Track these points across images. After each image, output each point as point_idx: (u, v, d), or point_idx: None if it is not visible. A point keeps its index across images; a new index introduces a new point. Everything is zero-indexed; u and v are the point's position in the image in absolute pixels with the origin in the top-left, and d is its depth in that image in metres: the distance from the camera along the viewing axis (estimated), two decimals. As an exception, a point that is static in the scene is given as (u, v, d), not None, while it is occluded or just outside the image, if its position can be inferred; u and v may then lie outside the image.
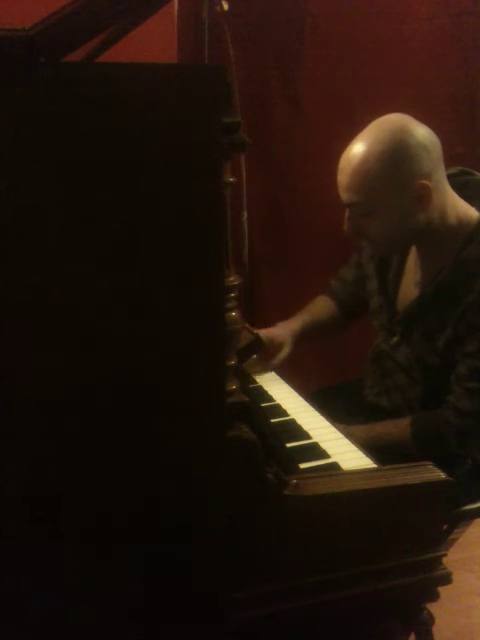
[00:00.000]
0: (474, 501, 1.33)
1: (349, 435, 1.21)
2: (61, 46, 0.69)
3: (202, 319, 0.78)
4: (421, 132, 1.29)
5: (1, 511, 0.76)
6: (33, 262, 0.71)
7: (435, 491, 0.94)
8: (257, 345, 1.49)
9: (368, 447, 1.16)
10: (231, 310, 0.84)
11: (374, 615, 1.00)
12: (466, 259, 1.31)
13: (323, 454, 1.13)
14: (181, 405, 0.79)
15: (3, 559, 0.78)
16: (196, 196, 0.75)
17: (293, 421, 1.28)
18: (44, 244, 0.71)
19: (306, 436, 1.20)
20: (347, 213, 1.34)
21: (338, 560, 0.91)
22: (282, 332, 1.60)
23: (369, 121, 1.33)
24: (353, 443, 1.17)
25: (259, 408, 1.32)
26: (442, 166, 1.32)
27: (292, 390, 1.47)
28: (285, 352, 1.56)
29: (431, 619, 1.02)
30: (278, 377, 1.55)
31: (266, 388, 1.47)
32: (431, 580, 0.96)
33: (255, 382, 1.51)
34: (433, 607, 1.02)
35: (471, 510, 1.33)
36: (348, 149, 1.31)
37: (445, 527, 1.11)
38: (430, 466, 0.96)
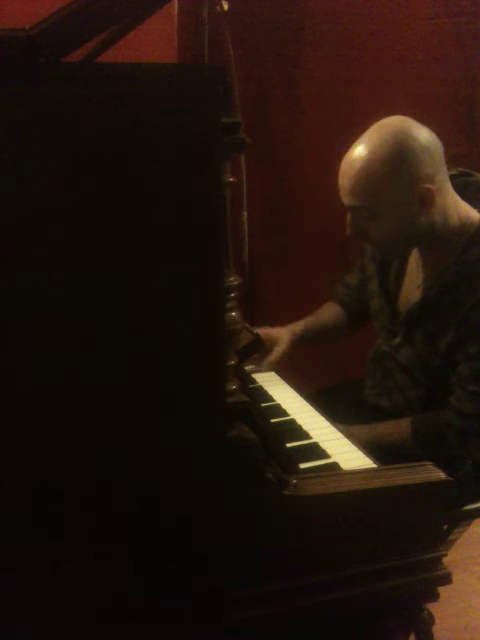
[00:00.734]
0: (474, 501, 1.33)
1: (350, 435, 1.21)
2: (61, 46, 0.69)
3: (202, 319, 0.78)
4: (423, 135, 1.28)
5: (1, 511, 0.76)
6: (33, 262, 0.71)
7: (435, 491, 0.94)
8: (257, 345, 1.49)
9: (369, 448, 1.16)
10: (231, 310, 0.84)
11: (374, 615, 1.00)
12: (468, 261, 1.31)
13: (323, 454, 1.13)
14: (181, 405, 0.79)
15: (3, 559, 0.78)
16: (196, 196, 0.75)
17: (293, 421, 1.28)
18: (44, 244, 0.71)
19: (306, 436, 1.20)
20: (349, 216, 1.34)
21: (338, 560, 0.91)
22: (280, 330, 1.60)
23: (369, 121, 1.33)
24: (353, 443, 1.17)
25: (259, 408, 1.32)
26: (444, 168, 1.32)
27: (292, 390, 1.47)
28: (281, 349, 1.56)
29: (431, 619, 1.02)
30: (278, 377, 1.55)
31: (266, 388, 1.47)
32: (431, 580, 0.96)
33: (255, 382, 1.50)
34: (433, 607, 1.02)
35: (471, 510, 1.33)
36: (349, 152, 1.30)
37: (445, 527, 1.11)
38: (430, 466, 0.96)
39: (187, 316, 0.77)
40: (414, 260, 1.45)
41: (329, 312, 1.70)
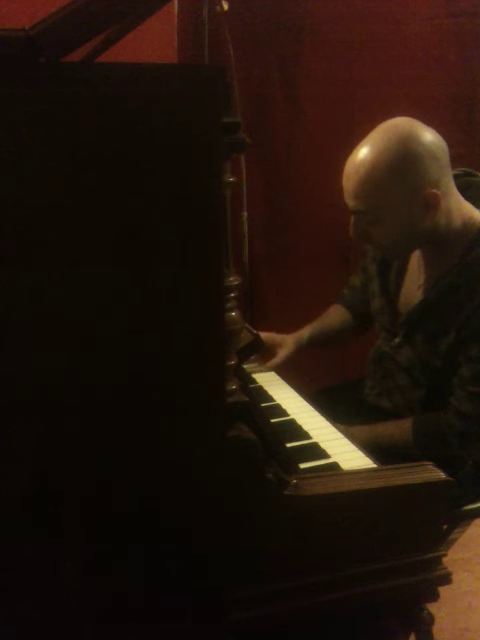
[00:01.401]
0: (474, 501, 1.33)
1: (350, 436, 1.21)
2: (61, 46, 0.69)
3: (202, 319, 0.78)
4: (429, 138, 1.27)
5: (1, 511, 0.76)
6: (33, 262, 0.71)
7: (435, 491, 0.94)
8: (257, 345, 1.49)
9: (369, 448, 1.16)
10: (231, 310, 0.84)
11: (374, 615, 1.00)
12: (471, 263, 1.31)
13: (323, 454, 1.13)
14: (181, 405, 0.79)
15: (3, 559, 0.78)
16: (196, 196, 0.75)
17: (293, 421, 1.28)
18: (44, 244, 0.71)
19: (306, 436, 1.20)
20: (353, 219, 1.33)
21: (338, 560, 0.91)
22: (286, 336, 1.60)
23: (369, 121, 1.32)
24: (353, 443, 1.17)
25: (259, 408, 1.32)
26: (449, 170, 1.31)
27: (292, 390, 1.47)
28: (284, 353, 1.56)
29: (431, 619, 1.02)
30: (278, 377, 1.55)
31: (266, 388, 1.47)
32: (431, 580, 0.96)
33: (255, 382, 1.51)
34: (433, 607, 1.02)
35: (471, 510, 1.33)
36: (354, 155, 1.29)
37: (445, 527, 1.11)
38: (430, 466, 0.96)
39: (187, 316, 0.77)
40: (415, 260, 1.45)
41: (335, 315, 1.70)
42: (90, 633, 0.83)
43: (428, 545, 0.96)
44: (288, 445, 1.16)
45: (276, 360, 1.56)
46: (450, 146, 1.31)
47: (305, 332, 1.63)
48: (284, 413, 1.33)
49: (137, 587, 0.82)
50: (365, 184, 1.26)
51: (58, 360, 0.74)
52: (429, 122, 1.31)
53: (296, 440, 1.18)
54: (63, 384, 0.75)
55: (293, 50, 2.15)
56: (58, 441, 0.76)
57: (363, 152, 1.27)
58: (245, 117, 0.89)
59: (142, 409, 0.78)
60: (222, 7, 1.66)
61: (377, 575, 0.93)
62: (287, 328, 1.65)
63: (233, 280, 0.85)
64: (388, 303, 1.48)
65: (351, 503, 0.90)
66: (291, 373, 1.57)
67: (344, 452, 1.14)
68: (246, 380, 1.44)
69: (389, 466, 0.99)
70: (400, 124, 1.29)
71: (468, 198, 1.37)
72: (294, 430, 1.24)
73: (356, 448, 1.15)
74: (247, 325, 1.51)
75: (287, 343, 1.58)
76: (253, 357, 1.55)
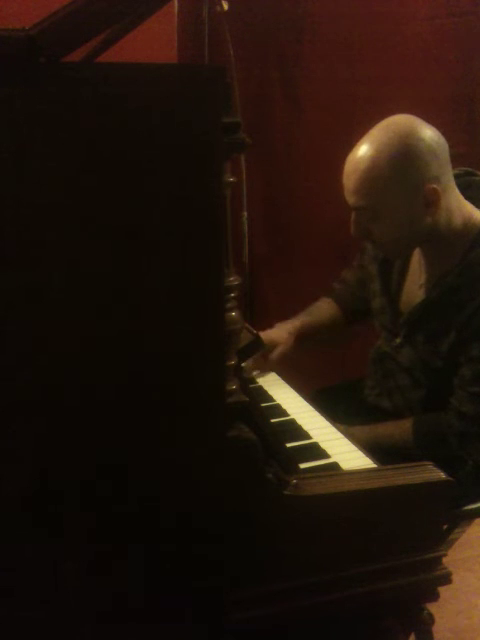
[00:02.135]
0: (474, 501, 1.33)
1: (350, 436, 1.21)
2: (61, 46, 0.69)
3: (202, 319, 0.78)
4: (429, 134, 1.27)
5: (1, 511, 0.76)
6: (33, 262, 0.71)
7: (435, 491, 0.94)
8: (257, 345, 1.49)
9: (369, 448, 1.15)
10: (231, 310, 0.84)
11: (374, 615, 1.00)
12: (472, 263, 1.31)
13: (323, 454, 1.13)
14: (181, 405, 0.79)
15: (3, 559, 0.78)
16: (196, 196, 0.75)
17: (293, 421, 1.28)
18: (44, 244, 0.71)
19: (306, 436, 1.20)
20: (353, 216, 1.33)
21: (338, 560, 0.91)
22: (279, 332, 1.59)
23: (369, 121, 1.32)
24: (353, 443, 1.17)
25: (259, 408, 1.32)
26: (450, 168, 1.31)
27: (292, 390, 1.47)
28: (283, 348, 1.55)
29: (431, 619, 1.02)
30: (278, 377, 1.55)
31: (266, 388, 1.47)
32: (431, 580, 0.96)
33: (255, 382, 1.50)
34: (433, 607, 1.02)
35: (471, 510, 1.33)
36: (354, 151, 1.29)
37: (445, 527, 1.11)
38: (430, 466, 0.96)
39: (187, 316, 0.77)
40: (416, 260, 1.45)
41: (324, 310, 1.70)
42: (90, 633, 0.83)
43: (428, 545, 0.96)
44: (288, 445, 1.16)
45: (275, 357, 1.55)
46: (450, 146, 1.31)
47: (295, 325, 1.62)
48: (284, 413, 1.33)
49: (137, 587, 0.82)
50: (366, 180, 1.26)
51: (58, 360, 0.74)
52: (429, 122, 1.31)
53: (296, 440, 1.18)
54: (63, 384, 0.75)
55: (293, 50, 2.15)
56: (58, 441, 0.76)
57: (363, 148, 1.27)
58: (245, 117, 0.89)
59: (142, 409, 0.78)
60: (222, 7, 1.66)
61: (377, 575, 0.93)
62: (287, 328, 1.65)
63: (233, 280, 0.85)
64: (389, 303, 1.48)
65: (351, 503, 0.90)
66: (291, 373, 1.57)
67: (344, 452, 1.14)
68: (246, 380, 1.44)
69: (389, 466, 0.99)
70: (400, 121, 1.29)
71: (469, 198, 1.37)
72: (294, 430, 1.24)
73: (356, 448, 1.15)
74: (247, 325, 1.51)
75: (283, 338, 1.57)
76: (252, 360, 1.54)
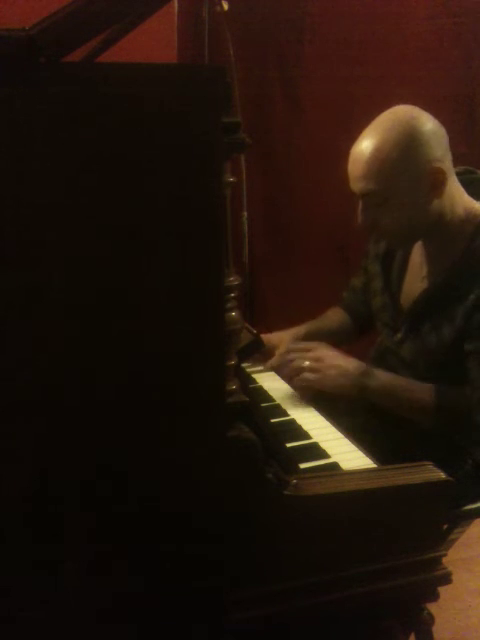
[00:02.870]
0: (474, 501, 1.32)
1: (369, 376, 1.28)
2: (61, 46, 0.69)
3: (202, 319, 0.78)
4: (430, 120, 1.31)
5: (1, 511, 0.76)
6: (33, 262, 0.71)
7: (435, 491, 0.94)
8: (257, 345, 1.49)
9: (384, 396, 1.18)
10: (231, 310, 0.84)
11: (374, 615, 1.00)
12: (476, 251, 1.31)
13: (323, 454, 1.13)
14: (181, 405, 0.79)
15: (3, 559, 0.78)
16: (196, 196, 0.75)
17: (293, 421, 1.28)
18: (44, 244, 0.71)
19: (306, 436, 1.20)
20: (360, 205, 1.33)
21: (338, 560, 0.91)
22: (280, 335, 1.59)
23: (369, 121, 1.33)
24: (353, 443, 1.17)
25: (259, 408, 1.32)
26: (450, 156, 1.33)
27: (292, 390, 1.47)
28: (283, 349, 1.55)
29: (431, 619, 1.02)
30: (278, 377, 1.54)
31: (266, 388, 1.47)
32: (431, 580, 0.96)
33: (255, 382, 1.50)
34: (433, 607, 1.02)
35: (471, 510, 1.32)
36: (359, 141, 1.31)
37: (445, 527, 1.11)
38: (430, 466, 0.96)
39: (187, 316, 0.77)
40: (417, 254, 1.45)
41: (333, 318, 1.70)
42: (90, 633, 0.83)
43: (428, 545, 0.96)
44: (288, 445, 1.15)
45: (274, 362, 1.55)
46: (450, 145, 1.32)
47: (301, 329, 1.63)
48: (284, 413, 1.33)
49: (137, 587, 0.82)
50: (373, 164, 1.27)
51: (58, 360, 0.74)
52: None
53: (296, 440, 1.18)
54: (63, 384, 0.75)
55: (293, 50, 2.15)
56: (58, 441, 0.76)
57: (368, 136, 1.30)
58: (245, 117, 0.89)
59: (142, 409, 0.78)
60: (222, 7, 1.66)
61: (377, 575, 0.93)
62: (287, 328, 1.65)
63: (233, 280, 0.85)
64: (391, 298, 1.48)
65: (351, 503, 0.90)
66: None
67: (344, 452, 1.14)
68: (246, 380, 1.44)
69: (389, 466, 0.99)
70: (402, 109, 1.33)
71: (470, 194, 1.38)
72: (294, 430, 1.24)
73: (356, 448, 1.15)
74: (247, 325, 1.51)
75: (284, 343, 1.57)
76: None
